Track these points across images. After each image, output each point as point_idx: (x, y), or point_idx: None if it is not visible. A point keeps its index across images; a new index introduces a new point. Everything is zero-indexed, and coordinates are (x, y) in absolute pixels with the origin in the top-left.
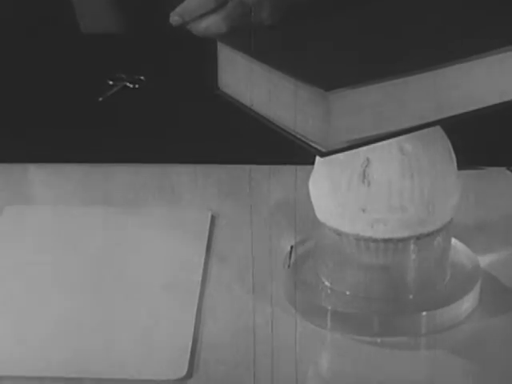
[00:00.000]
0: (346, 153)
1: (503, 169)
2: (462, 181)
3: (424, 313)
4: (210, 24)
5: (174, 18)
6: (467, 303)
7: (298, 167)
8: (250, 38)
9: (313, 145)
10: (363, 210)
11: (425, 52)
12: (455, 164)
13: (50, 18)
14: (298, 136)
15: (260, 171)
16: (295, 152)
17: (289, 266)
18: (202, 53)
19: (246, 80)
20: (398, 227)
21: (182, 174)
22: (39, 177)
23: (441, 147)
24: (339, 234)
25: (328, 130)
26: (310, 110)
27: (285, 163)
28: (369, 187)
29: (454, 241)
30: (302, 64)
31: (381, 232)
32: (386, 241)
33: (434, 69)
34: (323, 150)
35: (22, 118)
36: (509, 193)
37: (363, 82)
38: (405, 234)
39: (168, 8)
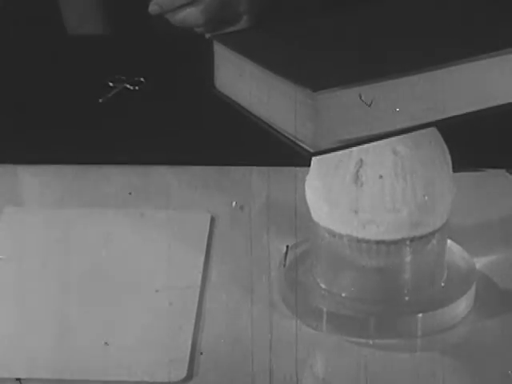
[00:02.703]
0: (340, 154)
1: (503, 171)
2: (461, 183)
3: (420, 314)
4: (188, 15)
5: (153, 8)
6: (463, 305)
7: (298, 169)
8: (244, 38)
9: (302, 145)
10: (355, 211)
11: (415, 54)
12: (450, 166)
13: (51, 19)
14: (289, 136)
15: (259, 173)
16: (295, 153)
17: (284, 266)
18: (202, 54)
19: (239, 79)
20: (391, 229)
21: (181, 176)
22: (39, 178)
23: (435, 149)
24: (333, 234)
25: (316, 130)
26: (299, 110)
27: (284, 165)
28: (361, 188)
29: (449, 242)
30: (293, 64)
31: (373, 233)
32: (378, 242)
33: (423, 71)
34: (311, 150)
35: (23, 119)
36: (508, 195)
37: (351, 82)
38: (397, 235)
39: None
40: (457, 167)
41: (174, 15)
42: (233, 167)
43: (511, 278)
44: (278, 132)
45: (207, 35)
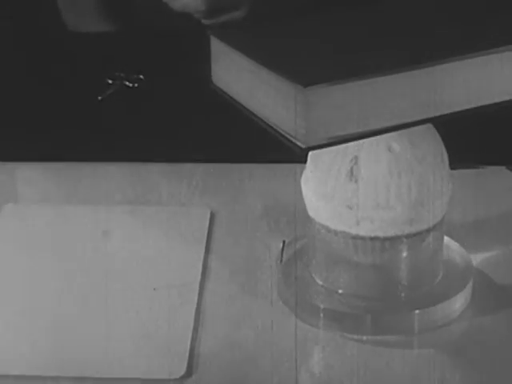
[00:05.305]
0: (335, 150)
1: (503, 168)
2: (460, 180)
3: (416, 311)
4: (189, 1)
5: None
6: (460, 301)
7: (298, 165)
8: (241, 34)
9: (294, 141)
10: (350, 208)
11: (409, 50)
12: (447, 163)
13: (50, 16)
14: (282, 132)
15: (259, 169)
16: (290, 150)
17: (281, 262)
18: (201, 51)
19: (235, 75)
20: (385, 225)
21: (181, 172)
22: (39, 175)
23: (431, 146)
24: (328, 231)
25: (307, 126)
26: (291, 105)
27: (282, 161)
28: (356, 185)
29: (447, 239)
30: (285, 60)
31: (367, 230)
32: (372, 239)
33: (416, 68)
34: (302, 145)
35: (21, 116)
36: (508, 192)
37: (342, 78)
38: (392, 232)
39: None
40: (456, 164)
41: (174, 0)
42: (232, 164)
43: (508, 275)
44: (272, 128)
45: (204, 21)
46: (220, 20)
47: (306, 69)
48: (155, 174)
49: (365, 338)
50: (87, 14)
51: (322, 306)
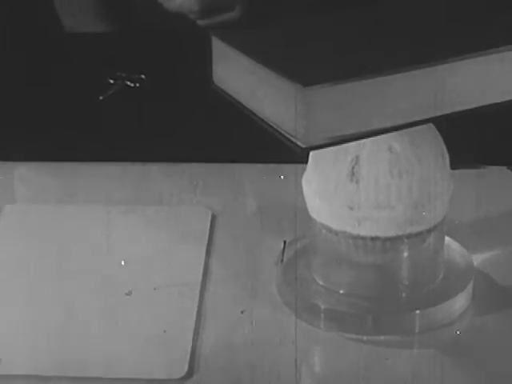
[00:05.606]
0: (336, 150)
1: (504, 168)
2: (461, 180)
3: (417, 311)
4: (184, 1)
5: None
6: (460, 301)
7: (299, 166)
8: (242, 34)
9: (293, 140)
10: (351, 208)
11: (410, 50)
12: (447, 164)
13: (52, 16)
14: (282, 132)
15: (261, 170)
16: (291, 150)
17: (282, 262)
18: (203, 51)
19: (236, 75)
20: (386, 225)
21: (182, 173)
22: (39, 175)
23: (432, 146)
24: (329, 231)
25: (307, 125)
26: (291, 105)
27: (284, 162)
28: (357, 185)
29: (447, 239)
30: (286, 59)
31: (368, 229)
32: (373, 239)
33: (417, 68)
34: (303, 145)
35: (23, 116)
36: (509, 192)
37: (342, 78)
38: (392, 232)
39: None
40: (457, 164)
41: (169, 1)
42: (233, 164)
43: (509, 275)
44: (272, 127)
45: (199, 22)
46: (215, 21)
47: (306, 68)
48: (155, 174)
49: (365, 338)
50: (84, 15)
51: (322, 306)
